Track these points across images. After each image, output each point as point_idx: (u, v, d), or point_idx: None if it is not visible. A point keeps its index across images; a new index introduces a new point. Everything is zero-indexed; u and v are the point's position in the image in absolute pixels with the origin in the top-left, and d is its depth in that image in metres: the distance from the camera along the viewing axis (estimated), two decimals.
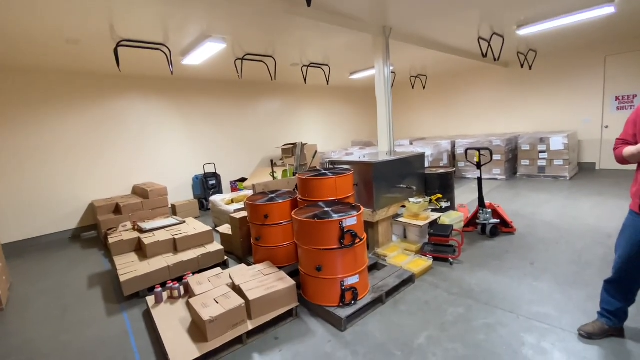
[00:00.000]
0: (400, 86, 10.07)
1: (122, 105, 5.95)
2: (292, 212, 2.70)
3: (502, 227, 3.98)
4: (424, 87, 9.70)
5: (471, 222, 4.12)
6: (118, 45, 4.01)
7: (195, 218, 6.08)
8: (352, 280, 2.52)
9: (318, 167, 3.52)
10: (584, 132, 7.21)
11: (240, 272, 2.88)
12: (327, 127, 9.72)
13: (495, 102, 8.47)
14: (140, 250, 3.76)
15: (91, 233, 5.68)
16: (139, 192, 5.75)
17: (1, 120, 4.86)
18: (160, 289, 2.83)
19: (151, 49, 4.31)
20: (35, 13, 3.07)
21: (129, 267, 3.30)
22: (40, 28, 3.41)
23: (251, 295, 2.43)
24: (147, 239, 3.64)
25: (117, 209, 5.26)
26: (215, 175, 6.73)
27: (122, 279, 3.06)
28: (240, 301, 2.37)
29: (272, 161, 5.48)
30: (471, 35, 5.26)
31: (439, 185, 4.18)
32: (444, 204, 4.01)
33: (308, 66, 6.26)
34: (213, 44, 4.30)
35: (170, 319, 2.53)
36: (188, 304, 2.63)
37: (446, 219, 3.87)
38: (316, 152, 6.25)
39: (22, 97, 5.01)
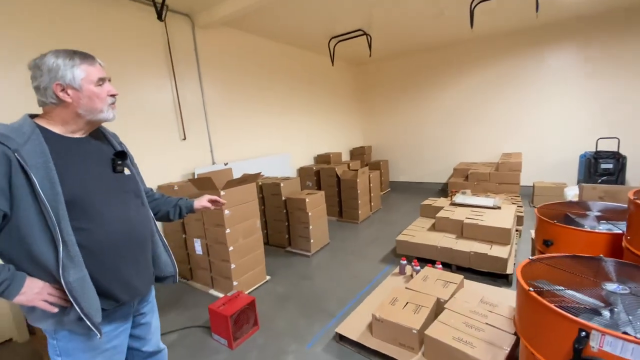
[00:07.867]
0: None
1: (496, 69, 5.44)
2: (523, 263, 1.40)
3: None
4: None
5: None
6: (473, 5, 3.66)
7: None
8: None
9: None
10: None
11: (473, 295, 2.11)
12: None
13: None
14: None
15: None
16: (502, 162, 5.29)
17: (410, 89, 6.46)
18: (405, 261, 2.82)
19: None
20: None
21: (413, 230, 3.48)
22: (416, 10, 3.99)
23: (429, 329, 1.78)
24: (443, 212, 3.53)
25: (467, 175, 5.32)
26: (615, 156, 4.43)
27: (398, 237, 3.37)
28: (415, 324, 1.84)
29: None
30: None
31: None
32: None
33: None
34: None
35: (386, 293, 2.53)
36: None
37: None
38: None
39: (422, 71, 6.23)
